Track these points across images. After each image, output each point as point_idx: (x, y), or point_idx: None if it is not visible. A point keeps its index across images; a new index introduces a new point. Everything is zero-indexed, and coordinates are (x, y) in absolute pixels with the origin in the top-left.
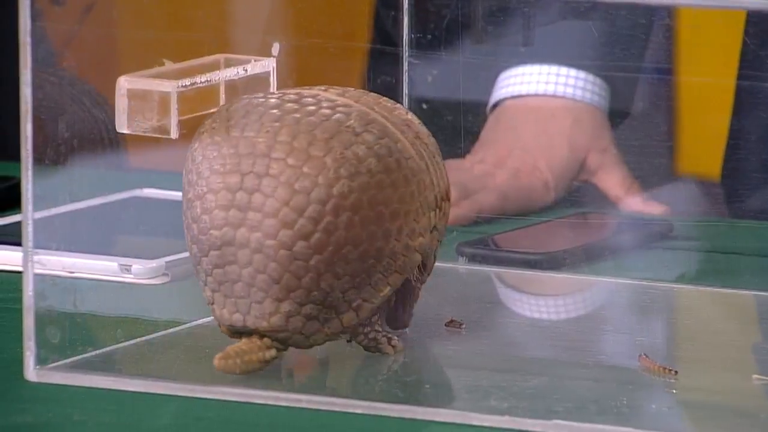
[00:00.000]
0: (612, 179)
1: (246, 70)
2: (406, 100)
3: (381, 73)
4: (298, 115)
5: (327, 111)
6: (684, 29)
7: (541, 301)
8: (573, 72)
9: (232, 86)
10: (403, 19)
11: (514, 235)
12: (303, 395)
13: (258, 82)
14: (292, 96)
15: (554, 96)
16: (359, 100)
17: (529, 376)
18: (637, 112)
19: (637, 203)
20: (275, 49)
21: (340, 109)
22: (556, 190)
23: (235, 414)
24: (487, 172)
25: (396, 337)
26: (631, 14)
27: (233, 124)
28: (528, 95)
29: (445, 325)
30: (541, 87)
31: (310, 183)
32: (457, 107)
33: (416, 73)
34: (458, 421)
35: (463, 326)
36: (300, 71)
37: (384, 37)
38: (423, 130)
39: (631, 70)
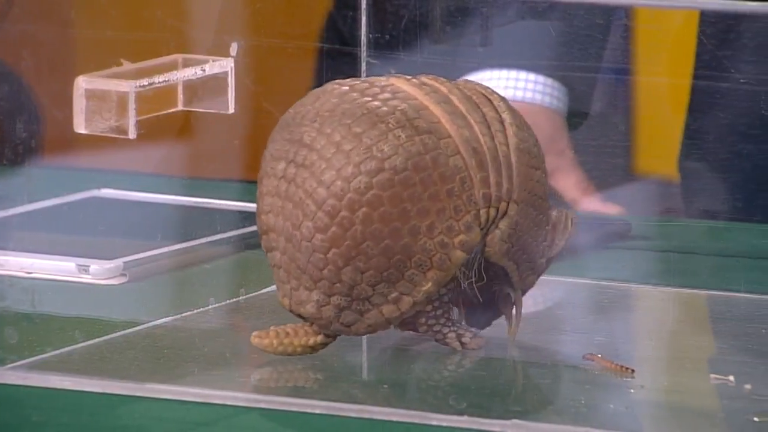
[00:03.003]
0: (569, 181)
1: (204, 70)
2: None
3: (339, 73)
4: (348, 106)
5: (376, 103)
6: (641, 30)
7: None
8: (532, 76)
9: (190, 86)
10: (361, 18)
11: None
12: (261, 395)
13: (216, 82)
14: (362, 85)
15: (513, 100)
16: (437, 91)
17: (487, 377)
18: (595, 112)
19: (593, 205)
20: (233, 49)
21: (391, 102)
22: None
23: (192, 414)
24: None
25: (471, 336)
26: (588, 14)
27: (299, 110)
28: None
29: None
30: (500, 92)
31: (332, 177)
32: None
33: (374, 72)
34: (416, 421)
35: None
36: (258, 71)
37: (341, 37)
38: (513, 131)
39: (588, 71)
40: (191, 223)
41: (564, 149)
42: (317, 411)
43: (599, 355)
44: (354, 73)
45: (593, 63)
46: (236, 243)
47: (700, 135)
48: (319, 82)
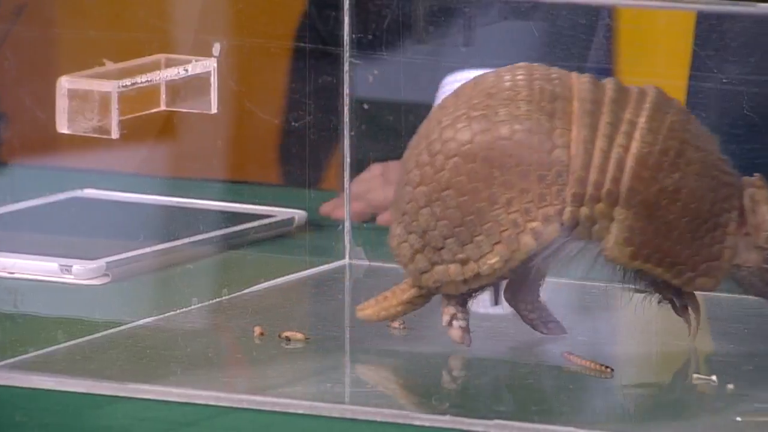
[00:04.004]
0: None
1: (187, 70)
2: (346, 100)
3: (322, 73)
4: (509, 75)
5: (527, 79)
6: (624, 30)
7: (481, 301)
8: None
9: (173, 86)
10: (343, 19)
11: None
12: (244, 395)
13: (199, 82)
14: (540, 67)
15: None
16: (595, 90)
17: (470, 376)
18: None
19: None
20: (216, 49)
21: (539, 82)
22: None
23: (175, 414)
24: None
25: (460, 326)
26: (571, 14)
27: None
28: None
29: (388, 325)
30: None
31: (448, 121)
32: (399, 107)
33: (357, 73)
34: (399, 420)
35: (405, 326)
36: (240, 71)
37: (320, 36)
38: (640, 135)
39: (572, 71)
40: (174, 223)
41: None
42: (300, 411)
43: (577, 355)
44: (337, 73)
45: (576, 63)
46: (219, 243)
47: None
48: (301, 83)
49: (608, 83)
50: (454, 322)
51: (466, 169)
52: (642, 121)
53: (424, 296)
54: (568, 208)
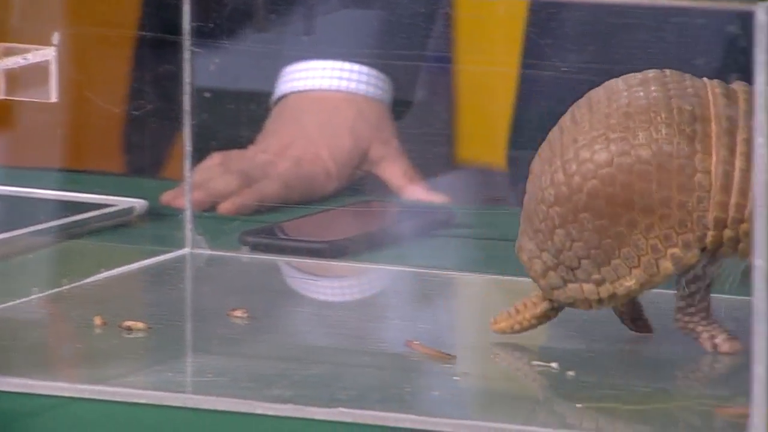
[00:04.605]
0: (394, 170)
1: (26, 59)
2: (187, 89)
3: (164, 62)
4: (642, 88)
5: (664, 96)
6: (463, 18)
7: (324, 289)
8: (356, 67)
9: (12, 75)
10: (184, 7)
11: (298, 223)
12: (86, 385)
13: (38, 71)
14: (673, 76)
15: (338, 90)
16: (731, 104)
17: (312, 365)
18: (419, 101)
19: (418, 193)
20: (55, 38)
21: (678, 100)
22: (338, 179)
23: (15, 404)
24: (269, 161)
25: (725, 338)
26: (411, 3)
27: (624, 78)
28: (312, 90)
29: (228, 314)
30: (326, 82)
31: (585, 141)
32: (240, 96)
33: (198, 62)
34: (242, 410)
35: (247, 315)
36: (80, 60)
37: (165, 25)
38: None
39: (412, 60)
40: (12, 212)
41: (389, 138)
42: (142, 400)
43: (419, 342)
44: (178, 62)
45: (416, 52)
46: (58, 233)
47: (525, 123)
48: (141, 72)
49: (740, 93)
50: (717, 341)
51: (605, 192)
52: (748, 133)
53: (556, 309)
54: (710, 232)
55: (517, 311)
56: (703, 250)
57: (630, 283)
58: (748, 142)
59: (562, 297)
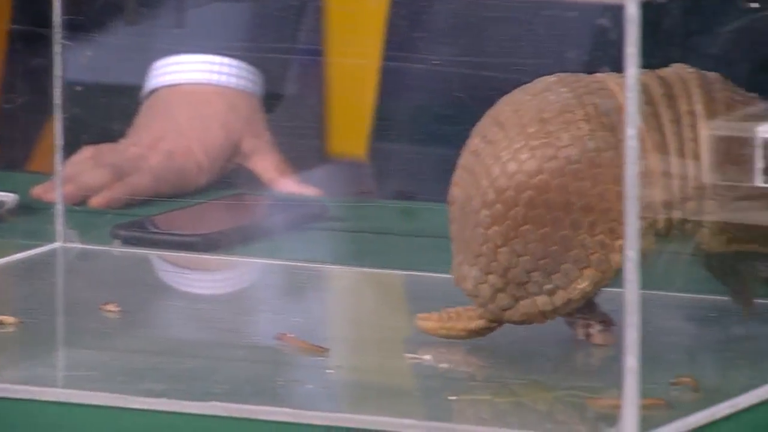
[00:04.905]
0: (265, 163)
1: None
2: (58, 82)
3: (35, 55)
4: (548, 93)
5: (572, 95)
6: (333, 11)
7: (197, 283)
8: (227, 60)
9: None
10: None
11: (170, 216)
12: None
13: None
14: (570, 78)
15: (209, 84)
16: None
17: (185, 358)
18: (290, 94)
19: (290, 186)
20: None
21: (588, 96)
22: (210, 172)
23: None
24: (141, 154)
25: (600, 330)
26: None
27: (516, 92)
28: (183, 83)
29: (100, 307)
30: (196, 75)
31: (508, 155)
32: (111, 90)
33: (70, 55)
34: (115, 404)
35: (120, 309)
36: None
37: (37, 18)
38: (704, 124)
39: (283, 52)
40: None
41: (260, 131)
42: (13, 396)
43: (293, 336)
44: (49, 55)
45: (287, 45)
46: None
47: (391, 116)
48: (12, 65)
49: (647, 79)
50: (591, 331)
51: (542, 200)
52: (699, 108)
53: (491, 329)
54: (661, 216)
55: (449, 318)
56: (661, 235)
57: (583, 284)
58: (677, 122)
59: (515, 316)
